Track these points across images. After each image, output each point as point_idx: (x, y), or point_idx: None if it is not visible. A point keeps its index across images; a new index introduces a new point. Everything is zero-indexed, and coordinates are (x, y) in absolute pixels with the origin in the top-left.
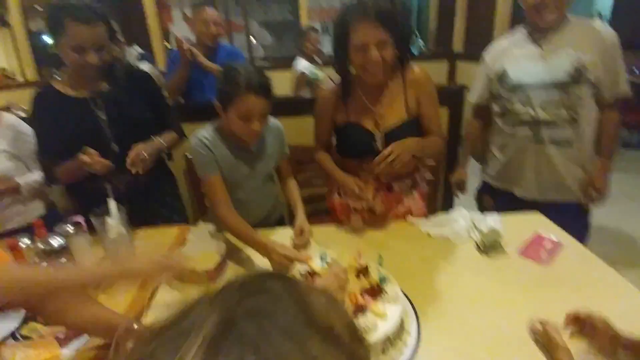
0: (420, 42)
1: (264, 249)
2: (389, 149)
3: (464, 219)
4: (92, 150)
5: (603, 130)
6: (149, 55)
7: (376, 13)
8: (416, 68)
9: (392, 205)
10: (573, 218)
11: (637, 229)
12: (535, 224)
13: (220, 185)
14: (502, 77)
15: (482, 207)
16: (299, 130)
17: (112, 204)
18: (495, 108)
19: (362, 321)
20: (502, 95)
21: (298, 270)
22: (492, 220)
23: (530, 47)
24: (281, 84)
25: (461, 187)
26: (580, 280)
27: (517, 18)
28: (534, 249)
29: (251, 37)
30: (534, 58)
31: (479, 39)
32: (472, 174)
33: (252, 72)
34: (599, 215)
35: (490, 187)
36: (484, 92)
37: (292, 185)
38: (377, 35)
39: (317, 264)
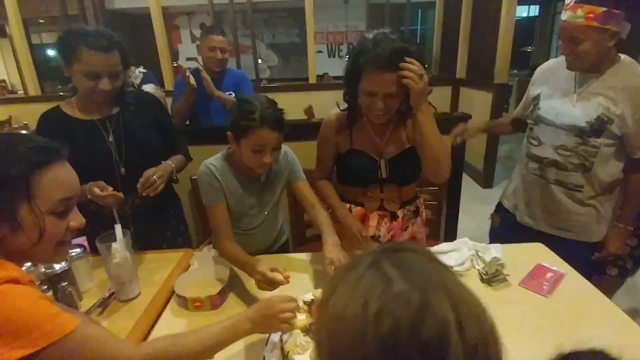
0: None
1: (249, 269)
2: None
3: (467, 248)
4: (103, 184)
5: (626, 192)
6: (152, 76)
7: (388, 64)
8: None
9: (397, 233)
10: (578, 253)
11: None
12: (538, 254)
13: (223, 214)
14: (535, 102)
15: (492, 224)
16: (307, 155)
17: (119, 229)
18: (528, 128)
19: None
20: (529, 120)
21: (302, 299)
22: (495, 250)
23: (567, 84)
24: (290, 105)
25: (462, 133)
26: (580, 312)
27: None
28: (535, 280)
29: (259, 58)
30: (566, 96)
31: (482, 65)
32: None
33: (267, 106)
34: None
35: (503, 207)
36: (523, 109)
37: (322, 216)
38: (387, 88)
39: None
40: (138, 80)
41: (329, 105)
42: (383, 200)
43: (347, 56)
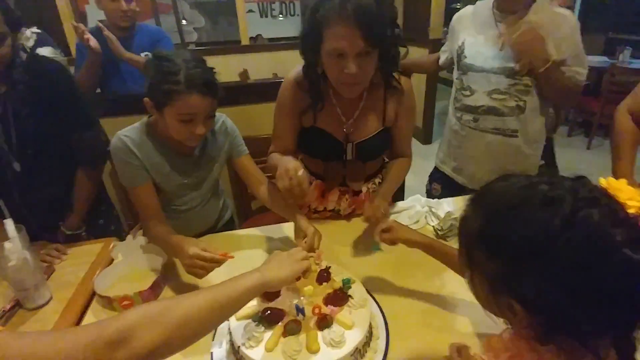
0: None
1: (176, 252)
2: (375, 209)
3: (420, 205)
4: None
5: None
6: (49, 37)
7: (357, 16)
8: (402, 78)
9: (359, 206)
10: None
11: None
12: None
13: (149, 194)
14: (459, 51)
15: (431, 196)
16: (248, 121)
17: (10, 225)
18: (455, 82)
19: (328, 335)
20: (456, 73)
21: None
22: (447, 205)
23: (489, 28)
24: (223, 70)
25: None
26: None
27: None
28: None
29: (183, 19)
30: (490, 40)
31: (417, 22)
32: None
33: (193, 66)
34: None
35: (439, 171)
36: (449, 61)
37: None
38: (358, 45)
39: None
40: (31, 43)
41: (265, 69)
42: (345, 177)
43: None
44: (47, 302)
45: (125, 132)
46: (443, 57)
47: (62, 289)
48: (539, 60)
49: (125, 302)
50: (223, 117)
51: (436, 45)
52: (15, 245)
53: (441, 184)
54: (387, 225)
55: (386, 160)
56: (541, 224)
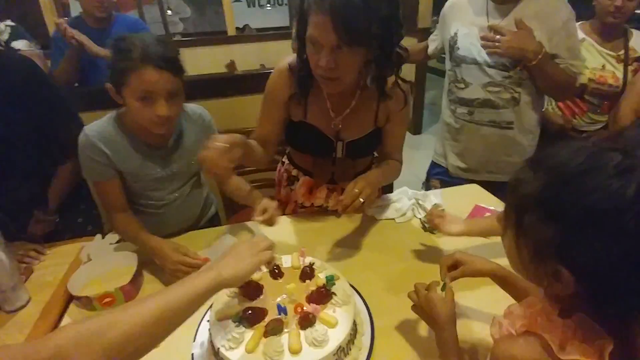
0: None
1: (158, 256)
2: (356, 188)
3: (407, 198)
4: None
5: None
6: (23, 30)
7: (334, 8)
8: (402, 85)
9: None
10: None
11: None
12: (475, 195)
13: (114, 188)
14: (452, 42)
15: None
16: (235, 114)
17: None
18: (448, 73)
19: (310, 335)
20: (449, 65)
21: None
22: (434, 196)
23: (481, 18)
24: (210, 62)
25: None
26: None
27: None
28: None
29: (167, 10)
30: (483, 32)
31: (405, 11)
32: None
33: (150, 42)
34: None
35: (437, 165)
36: (439, 50)
37: (238, 180)
38: (331, 39)
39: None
40: (5, 36)
41: (253, 60)
42: (334, 173)
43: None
44: (26, 304)
45: (92, 126)
46: (432, 46)
47: (40, 291)
48: (529, 52)
49: (106, 300)
50: (201, 109)
51: (425, 35)
52: None
53: (439, 179)
54: (452, 261)
55: (376, 155)
56: (613, 192)
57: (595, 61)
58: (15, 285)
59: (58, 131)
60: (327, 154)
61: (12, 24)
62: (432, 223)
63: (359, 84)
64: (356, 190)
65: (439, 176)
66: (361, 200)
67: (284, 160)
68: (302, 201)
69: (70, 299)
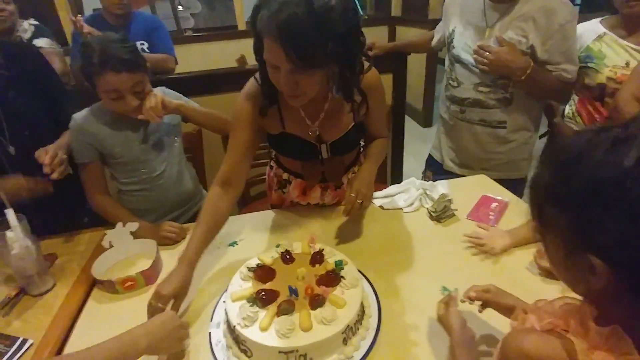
0: (359, 8)
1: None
2: (352, 193)
3: (415, 188)
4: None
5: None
6: (46, 29)
7: (281, 36)
8: (367, 73)
9: (343, 195)
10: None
11: None
12: (482, 185)
13: (94, 172)
14: (449, 40)
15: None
16: None
17: (11, 214)
18: (446, 69)
19: (320, 314)
20: (447, 60)
21: (247, 265)
22: (442, 187)
23: (478, 18)
24: (220, 56)
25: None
26: None
27: None
28: (482, 212)
29: (179, 5)
30: (478, 33)
31: (416, 2)
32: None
33: (109, 46)
34: None
35: (433, 159)
36: (441, 43)
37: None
38: (285, 64)
39: (269, 257)
40: (28, 35)
41: None
42: (324, 172)
43: None
44: (51, 289)
45: (79, 113)
46: (436, 37)
47: (65, 276)
48: (516, 70)
49: (128, 283)
50: (162, 88)
51: (435, 26)
52: (17, 234)
53: (432, 171)
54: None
55: (362, 144)
56: (612, 163)
57: (617, 58)
58: (40, 271)
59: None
60: (314, 157)
61: (36, 22)
62: (478, 246)
63: (329, 89)
64: (352, 195)
65: (432, 168)
66: (359, 201)
67: (272, 164)
68: (297, 201)
69: (93, 283)
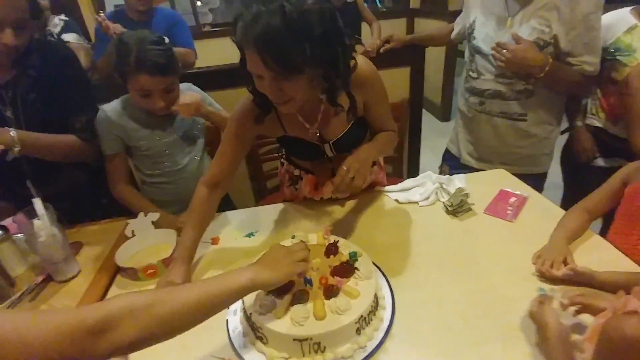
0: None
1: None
2: (344, 167)
3: (431, 182)
4: None
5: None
6: (75, 24)
7: (258, 47)
8: (359, 64)
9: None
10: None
11: None
12: (501, 179)
13: (119, 163)
14: (470, 30)
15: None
16: None
17: (38, 203)
18: (466, 61)
19: (334, 304)
20: (467, 52)
21: None
22: (459, 181)
23: (500, 8)
24: (236, 51)
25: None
26: (547, 234)
27: None
28: (499, 206)
29: (197, 1)
30: (500, 23)
31: None
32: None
33: (145, 48)
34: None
35: (450, 153)
36: (458, 35)
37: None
38: (267, 73)
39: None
40: (58, 30)
41: None
42: (333, 169)
43: None
44: (76, 275)
45: (107, 105)
46: (456, 29)
47: (89, 263)
48: (534, 67)
49: (150, 271)
50: (189, 85)
51: (455, 17)
52: (44, 222)
53: (449, 165)
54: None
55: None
56: None
57: None
58: (66, 258)
59: (71, 119)
60: (320, 156)
61: (66, 18)
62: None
63: (321, 91)
64: (344, 168)
65: (449, 162)
66: (350, 175)
67: (282, 161)
68: (309, 196)
69: (117, 270)
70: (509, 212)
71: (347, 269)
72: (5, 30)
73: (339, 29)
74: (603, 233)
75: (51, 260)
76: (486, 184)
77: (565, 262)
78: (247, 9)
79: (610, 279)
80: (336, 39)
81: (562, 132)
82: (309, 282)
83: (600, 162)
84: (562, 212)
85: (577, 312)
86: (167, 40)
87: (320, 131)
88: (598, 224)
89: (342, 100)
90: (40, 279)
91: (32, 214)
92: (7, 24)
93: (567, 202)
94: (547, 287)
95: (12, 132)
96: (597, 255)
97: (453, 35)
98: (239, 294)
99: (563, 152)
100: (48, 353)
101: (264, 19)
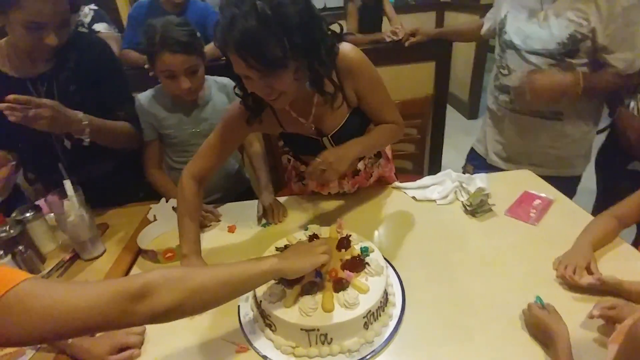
0: None
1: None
2: (318, 158)
3: (451, 180)
4: None
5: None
6: (104, 14)
7: (237, 49)
8: (345, 52)
9: (363, 183)
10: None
11: None
12: (526, 181)
13: (153, 149)
14: (501, 26)
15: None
16: None
17: (68, 185)
18: (496, 58)
19: (343, 297)
20: (497, 47)
21: (276, 245)
22: (480, 180)
23: (535, 2)
24: None
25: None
26: (571, 240)
27: None
28: (522, 208)
29: None
30: (533, 16)
31: None
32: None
33: (169, 28)
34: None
35: (476, 152)
36: (492, 31)
37: (254, 153)
38: (252, 73)
39: (297, 239)
40: (88, 19)
41: None
42: None
43: None
44: (102, 254)
45: (144, 92)
46: (486, 25)
47: (114, 244)
48: (568, 87)
49: (169, 254)
50: (227, 80)
51: (487, 11)
52: (73, 203)
53: (474, 165)
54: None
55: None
56: None
57: None
58: (93, 238)
59: (116, 110)
60: (320, 150)
61: (96, 7)
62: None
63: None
64: (318, 160)
65: (474, 162)
66: (321, 168)
67: (289, 157)
68: (317, 191)
69: (138, 252)
70: (532, 214)
71: (357, 264)
72: (50, 34)
73: (314, 15)
74: (637, 243)
75: (78, 239)
76: (509, 184)
77: (588, 268)
78: (222, 13)
79: (638, 289)
80: (313, 25)
81: (599, 132)
82: (319, 274)
83: (638, 166)
84: (590, 217)
85: (608, 323)
86: (198, 33)
87: (317, 125)
88: (632, 233)
89: (330, 89)
90: (68, 256)
91: (62, 195)
92: (51, 27)
93: (598, 209)
94: (544, 294)
95: (81, 114)
96: (626, 264)
97: (483, 31)
98: (264, 277)
99: (599, 153)
100: (92, 316)
101: (240, 23)
